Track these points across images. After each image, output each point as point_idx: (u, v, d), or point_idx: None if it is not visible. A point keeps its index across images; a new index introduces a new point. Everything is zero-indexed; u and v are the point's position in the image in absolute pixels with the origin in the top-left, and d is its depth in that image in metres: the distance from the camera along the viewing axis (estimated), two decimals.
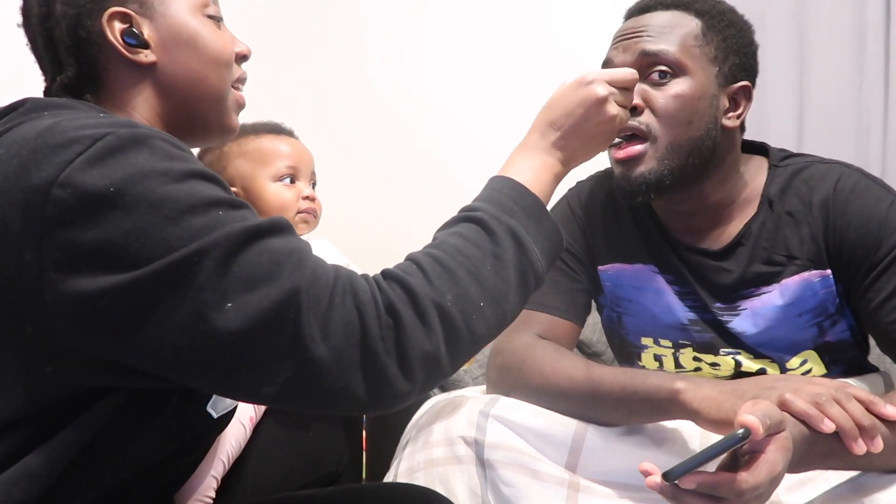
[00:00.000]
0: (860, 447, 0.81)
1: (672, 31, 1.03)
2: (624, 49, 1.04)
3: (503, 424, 0.96)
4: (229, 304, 0.61)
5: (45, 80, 0.81)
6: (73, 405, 0.66)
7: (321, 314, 0.63)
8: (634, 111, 0.99)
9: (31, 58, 0.82)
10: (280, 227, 0.67)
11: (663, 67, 1.01)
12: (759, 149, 1.13)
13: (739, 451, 0.75)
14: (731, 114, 1.05)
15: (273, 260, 0.64)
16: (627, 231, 1.15)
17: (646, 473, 0.74)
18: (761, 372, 1.08)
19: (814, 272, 1.03)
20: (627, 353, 1.19)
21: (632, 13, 1.09)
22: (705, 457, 0.72)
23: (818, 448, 0.81)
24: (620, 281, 1.15)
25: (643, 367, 1.17)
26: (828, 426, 0.80)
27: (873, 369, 1.13)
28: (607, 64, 1.06)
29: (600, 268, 1.17)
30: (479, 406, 0.99)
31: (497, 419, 0.97)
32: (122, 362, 0.64)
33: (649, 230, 1.13)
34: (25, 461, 0.64)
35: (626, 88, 0.89)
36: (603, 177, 1.20)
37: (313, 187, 1.41)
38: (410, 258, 0.71)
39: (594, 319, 1.24)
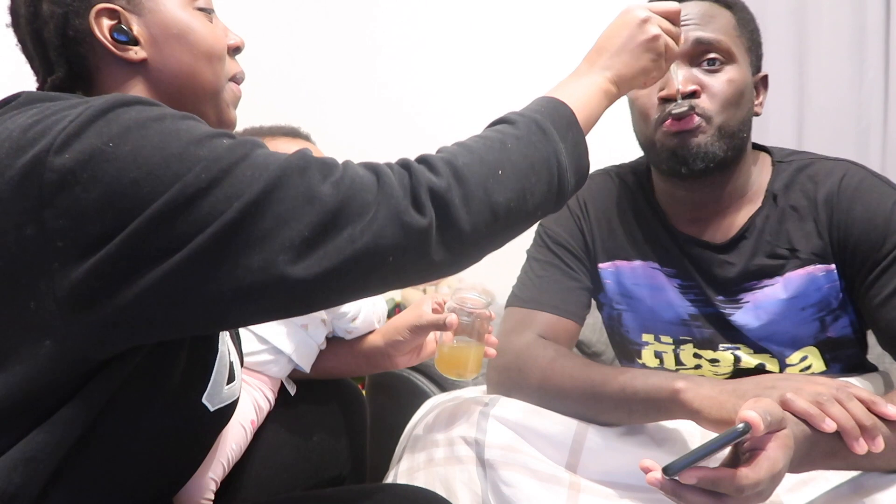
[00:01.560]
0: (861, 447, 0.80)
1: (715, 21, 1.05)
2: None
3: (503, 424, 0.96)
4: (242, 198, 0.62)
5: (37, 80, 0.80)
6: (69, 386, 0.66)
7: (336, 176, 0.65)
8: (693, 96, 1.02)
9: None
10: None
11: (715, 55, 1.03)
12: (760, 147, 1.14)
13: (740, 447, 0.75)
14: (756, 102, 1.09)
15: (277, 160, 0.65)
16: (627, 228, 1.15)
17: (646, 470, 0.73)
18: (760, 367, 1.08)
19: (819, 266, 1.04)
20: (628, 351, 1.19)
21: None
22: (706, 451, 0.71)
23: (819, 448, 0.81)
24: (621, 278, 1.15)
25: (644, 364, 1.17)
26: (829, 426, 0.80)
27: (872, 368, 1.13)
28: None
29: (600, 265, 1.16)
30: (479, 406, 0.99)
31: (497, 419, 0.96)
32: (124, 322, 0.63)
33: (651, 225, 1.13)
34: (24, 444, 0.64)
35: (670, 21, 0.90)
36: (603, 175, 1.20)
37: None
38: None
39: (594, 319, 1.24)
